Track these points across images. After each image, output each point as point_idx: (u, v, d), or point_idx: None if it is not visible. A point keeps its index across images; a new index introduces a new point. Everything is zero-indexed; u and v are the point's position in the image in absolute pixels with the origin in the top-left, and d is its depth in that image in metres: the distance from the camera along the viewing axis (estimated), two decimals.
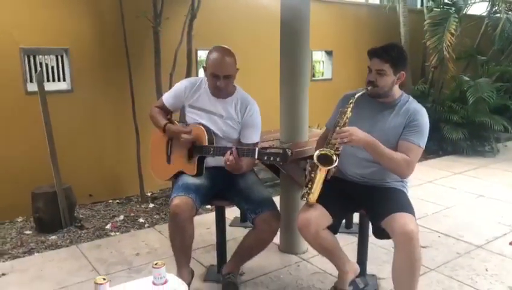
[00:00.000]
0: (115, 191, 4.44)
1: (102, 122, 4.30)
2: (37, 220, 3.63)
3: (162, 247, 3.27)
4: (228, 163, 2.28)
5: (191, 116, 2.58)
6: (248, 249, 2.56)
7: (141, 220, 3.82)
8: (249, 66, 4.23)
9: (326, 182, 2.30)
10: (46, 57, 4.04)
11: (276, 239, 3.25)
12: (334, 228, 2.37)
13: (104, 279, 1.83)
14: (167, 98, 2.67)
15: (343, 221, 3.18)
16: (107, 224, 3.75)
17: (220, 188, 2.57)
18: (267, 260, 3.04)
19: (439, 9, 6.09)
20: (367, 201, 2.37)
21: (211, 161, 2.53)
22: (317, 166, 2.18)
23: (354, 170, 2.43)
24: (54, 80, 4.09)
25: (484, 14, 7.09)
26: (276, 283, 2.76)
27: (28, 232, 3.62)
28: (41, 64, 4.00)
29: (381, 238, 2.31)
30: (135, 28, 4.13)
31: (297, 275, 2.85)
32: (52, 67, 4.09)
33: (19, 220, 3.87)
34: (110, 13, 4.10)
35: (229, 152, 2.28)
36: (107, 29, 4.16)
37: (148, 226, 3.72)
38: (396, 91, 2.35)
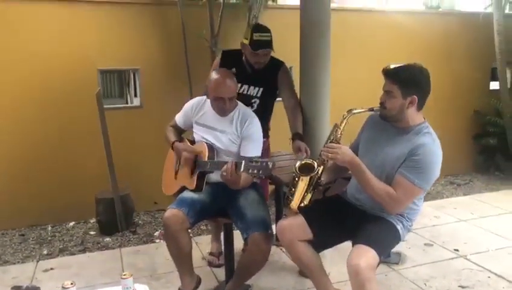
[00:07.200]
0: None
1: None
2: (98, 222, 4.07)
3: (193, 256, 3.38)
4: (224, 174, 2.27)
5: (197, 132, 2.71)
6: (243, 270, 2.56)
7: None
8: None
9: (327, 199, 2.40)
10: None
11: None
12: (315, 246, 2.30)
13: (71, 283, 2.02)
14: (178, 116, 2.84)
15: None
16: (157, 231, 4.03)
17: (222, 204, 2.62)
18: (281, 281, 2.98)
19: None
20: (356, 227, 2.22)
21: (213, 177, 2.59)
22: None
23: (352, 191, 2.34)
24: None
25: None
26: None
27: (92, 232, 4.07)
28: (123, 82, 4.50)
29: None
30: (196, 48, 4.39)
31: None
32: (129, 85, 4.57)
33: (91, 221, 4.35)
34: (175, 34, 4.41)
35: (227, 165, 2.27)
36: (172, 49, 4.49)
37: (191, 237, 3.87)
38: (413, 117, 2.13)
